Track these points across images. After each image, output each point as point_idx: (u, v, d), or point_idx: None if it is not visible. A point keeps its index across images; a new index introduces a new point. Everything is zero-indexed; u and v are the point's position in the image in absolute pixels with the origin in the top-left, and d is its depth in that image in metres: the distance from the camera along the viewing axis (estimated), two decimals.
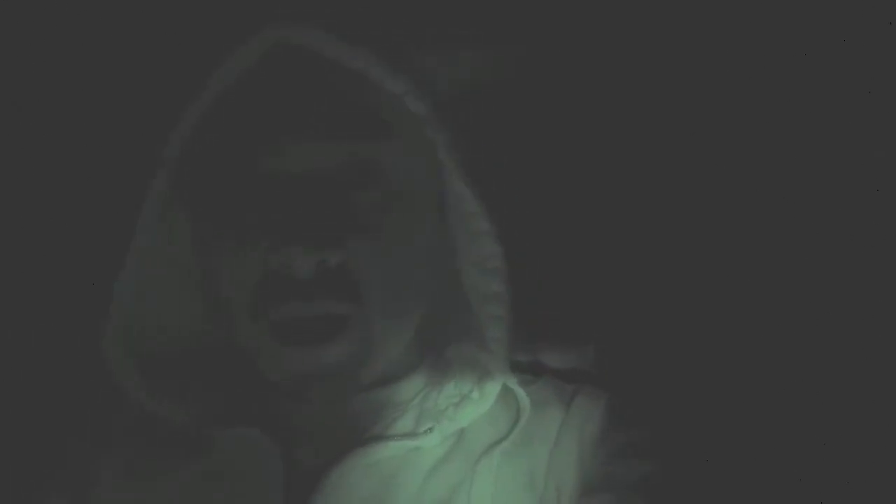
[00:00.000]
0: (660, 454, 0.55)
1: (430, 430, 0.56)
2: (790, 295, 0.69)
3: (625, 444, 0.55)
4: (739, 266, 0.70)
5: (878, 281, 0.67)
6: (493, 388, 0.58)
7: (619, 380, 0.61)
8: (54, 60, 0.71)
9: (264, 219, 0.52)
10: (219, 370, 0.61)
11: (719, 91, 0.71)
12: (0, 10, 0.68)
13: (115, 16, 0.69)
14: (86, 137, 0.72)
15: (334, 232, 0.52)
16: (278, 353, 0.53)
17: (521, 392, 0.58)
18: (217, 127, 0.55)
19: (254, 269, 0.52)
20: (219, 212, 0.54)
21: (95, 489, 0.57)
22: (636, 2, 0.71)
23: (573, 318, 0.67)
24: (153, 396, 0.57)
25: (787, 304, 0.68)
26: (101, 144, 0.71)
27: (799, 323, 0.68)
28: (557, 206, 0.71)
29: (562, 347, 0.63)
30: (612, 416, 0.57)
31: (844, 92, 0.69)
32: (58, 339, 0.69)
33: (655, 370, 0.66)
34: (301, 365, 0.52)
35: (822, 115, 0.70)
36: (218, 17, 0.58)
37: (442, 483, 0.55)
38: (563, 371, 0.62)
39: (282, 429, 0.56)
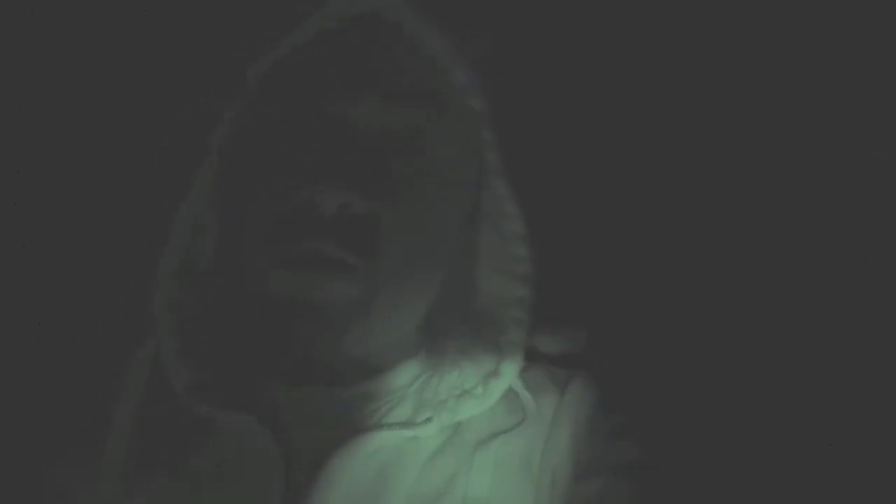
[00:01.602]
0: (648, 439, 0.55)
1: (429, 420, 0.56)
2: (780, 287, 0.69)
3: (614, 429, 0.56)
4: (731, 257, 0.70)
5: (877, 279, 0.67)
6: (497, 388, 0.58)
7: (611, 365, 0.61)
8: (114, 21, 0.73)
9: (301, 157, 0.54)
10: (221, 358, 0.61)
11: (724, 95, 0.72)
12: None
13: None
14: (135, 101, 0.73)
15: (364, 179, 0.53)
16: (284, 278, 0.53)
17: (527, 395, 0.58)
18: (290, 71, 0.57)
19: (279, 202, 0.53)
20: (261, 146, 0.56)
21: (97, 477, 0.56)
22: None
23: (569, 304, 0.67)
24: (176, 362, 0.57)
25: (777, 296, 0.69)
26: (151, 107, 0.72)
27: (788, 314, 0.68)
28: (551, 195, 0.71)
29: (555, 332, 0.63)
30: (604, 401, 0.58)
31: (844, 92, 0.69)
32: (65, 325, 0.69)
33: (646, 356, 0.66)
34: (304, 292, 0.53)
35: (822, 115, 0.70)
36: None
37: (439, 473, 0.55)
38: (557, 356, 0.62)
39: (280, 418, 0.56)
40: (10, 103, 0.73)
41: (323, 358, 0.57)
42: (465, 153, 0.59)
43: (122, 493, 0.55)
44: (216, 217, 0.61)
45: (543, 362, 0.61)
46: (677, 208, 0.72)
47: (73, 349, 0.65)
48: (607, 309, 0.69)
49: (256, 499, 0.54)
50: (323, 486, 0.53)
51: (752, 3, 0.71)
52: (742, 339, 0.68)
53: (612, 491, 0.53)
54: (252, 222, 0.55)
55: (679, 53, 0.72)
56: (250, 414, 0.55)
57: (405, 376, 0.59)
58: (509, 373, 0.58)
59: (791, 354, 0.67)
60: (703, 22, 0.72)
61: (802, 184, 0.70)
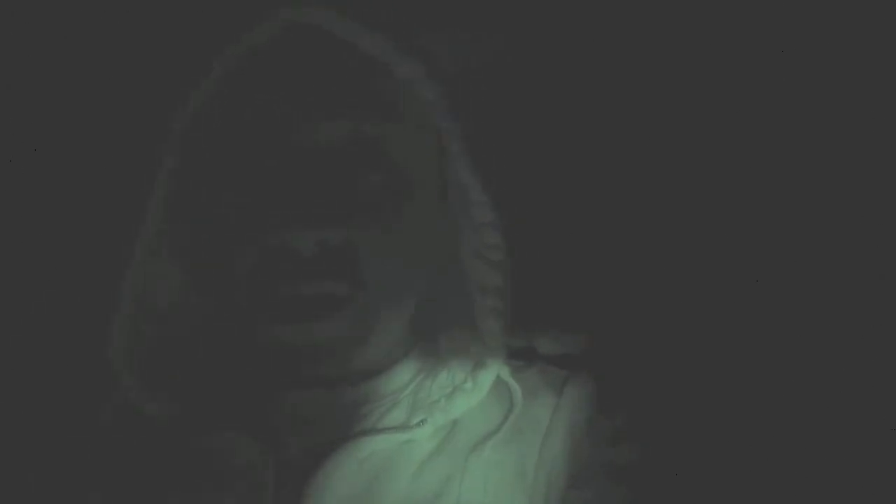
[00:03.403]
0: (647, 441, 0.55)
1: (423, 422, 0.55)
2: (778, 288, 0.68)
3: (611, 433, 0.55)
4: (729, 258, 0.70)
5: (877, 279, 0.67)
6: (486, 379, 0.58)
7: (610, 367, 0.61)
8: (59, 44, 0.71)
9: (268, 195, 0.52)
10: (205, 370, 0.61)
11: (724, 93, 0.72)
12: None
13: None
14: (87, 120, 0.71)
15: (337, 210, 0.52)
16: (272, 330, 0.53)
17: (514, 384, 0.58)
18: (226, 103, 0.55)
19: (254, 245, 0.52)
20: (222, 189, 0.55)
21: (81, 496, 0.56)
22: None
23: (566, 305, 0.67)
24: (147, 396, 0.57)
25: (774, 297, 0.68)
26: (104, 129, 0.71)
27: (786, 315, 0.68)
28: (551, 193, 0.71)
29: (554, 333, 0.63)
30: (601, 403, 0.57)
31: (845, 92, 0.69)
32: (46, 340, 0.69)
33: (645, 358, 0.65)
34: (294, 341, 0.53)
35: (822, 115, 0.70)
36: None
37: (433, 476, 0.55)
38: (555, 357, 0.62)
39: (270, 425, 0.56)
40: None
41: (318, 375, 0.57)
42: (425, 147, 0.58)
43: None
44: (174, 261, 0.60)
45: (539, 363, 0.61)
46: (672, 205, 0.72)
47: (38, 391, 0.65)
48: (603, 310, 0.69)
49: None
50: (316, 491, 0.53)
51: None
52: (740, 340, 0.67)
53: (608, 496, 0.53)
54: (228, 269, 0.54)
55: (648, 34, 0.72)
56: (232, 428, 0.55)
57: (399, 379, 0.59)
58: (495, 362, 0.58)
59: (790, 356, 0.66)
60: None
61: (800, 181, 0.70)
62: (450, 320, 0.62)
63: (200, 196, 0.56)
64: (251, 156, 0.54)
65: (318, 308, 0.52)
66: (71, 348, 0.65)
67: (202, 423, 0.56)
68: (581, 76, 0.72)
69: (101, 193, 0.68)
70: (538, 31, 0.70)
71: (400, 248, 0.55)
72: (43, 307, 0.70)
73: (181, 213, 0.58)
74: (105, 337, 0.58)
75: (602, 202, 0.73)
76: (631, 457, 0.54)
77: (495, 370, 0.58)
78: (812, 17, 0.69)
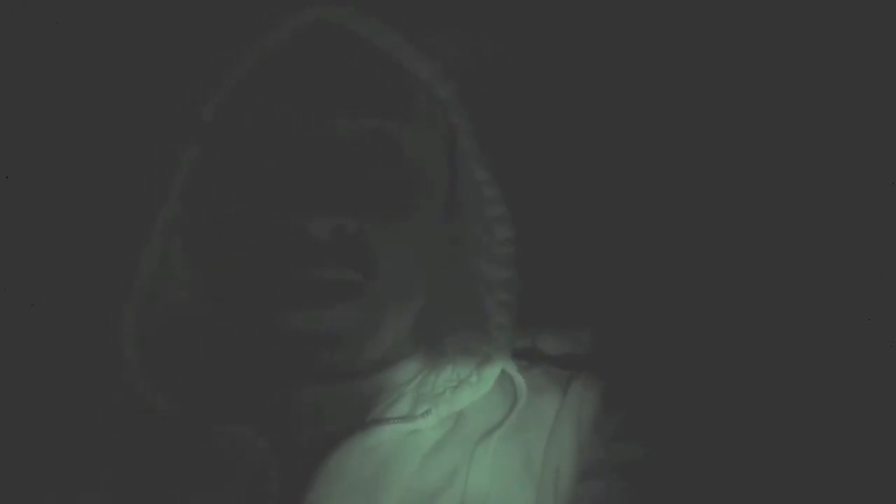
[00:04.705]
0: (653, 438, 0.55)
1: (428, 412, 0.56)
2: (783, 285, 0.68)
3: (617, 429, 0.56)
4: (733, 255, 0.70)
5: (877, 278, 0.67)
6: (491, 373, 0.58)
7: (615, 365, 0.61)
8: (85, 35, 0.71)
9: (285, 183, 0.53)
10: (213, 362, 0.61)
11: (724, 85, 0.72)
12: None
13: None
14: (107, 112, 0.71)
15: (353, 200, 0.53)
16: (283, 316, 0.53)
17: (518, 377, 0.59)
18: (248, 97, 0.57)
19: (271, 231, 0.53)
20: (241, 176, 0.56)
21: (86, 488, 0.57)
22: None
23: (570, 304, 0.67)
24: (153, 388, 0.58)
25: (779, 294, 0.68)
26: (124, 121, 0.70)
27: (791, 312, 0.68)
28: (555, 192, 0.72)
29: (559, 332, 0.63)
30: (608, 400, 0.58)
31: (845, 92, 0.69)
32: (53, 336, 0.69)
33: (651, 356, 0.66)
34: (305, 328, 0.53)
35: (822, 115, 0.70)
36: None
37: (438, 467, 0.55)
38: (560, 357, 0.62)
39: (277, 417, 0.56)
40: None
41: (327, 366, 0.57)
42: (437, 144, 0.59)
43: None
44: (185, 251, 0.61)
45: (544, 363, 0.62)
46: (677, 201, 0.72)
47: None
48: (609, 307, 0.69)
49: (253, 500, 0.53)
50: (322, 482, 0.53)
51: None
52: (745, 337, 0.68)
53: (615, 491, 0.53)
54: (241, 258, 0.55)
55: (652, 30, 0.72)
56: (240, 421, 0.56)
57: (404, 373, 0.60)
58: (501, 357, 0.59)
59: (794, 353, 0.67)
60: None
61: (805, 180, 0.70)
62: (454, 323, 0.63)
63: (217, 187, 0.57)
64: (272, 148, 0.55)
65: (330, 294, 0.53)
66: (79, 341, 0.65)
67: (209, 416, 0.56)
68: (583, 75, 0.72)
69: (114, 185, 0.69)
70: (538, 31, 0.70)
71: (411, 242, 0.56)
72: (50, 299, 0.70)
73: (196, 205, 0.59)
74: (114, 330, 0.58)
75: (604, 200, 0.73)
76: (637, 454, 0.54)
77: (501, 365, 0.59)
78: (812, 17, 0.69)
